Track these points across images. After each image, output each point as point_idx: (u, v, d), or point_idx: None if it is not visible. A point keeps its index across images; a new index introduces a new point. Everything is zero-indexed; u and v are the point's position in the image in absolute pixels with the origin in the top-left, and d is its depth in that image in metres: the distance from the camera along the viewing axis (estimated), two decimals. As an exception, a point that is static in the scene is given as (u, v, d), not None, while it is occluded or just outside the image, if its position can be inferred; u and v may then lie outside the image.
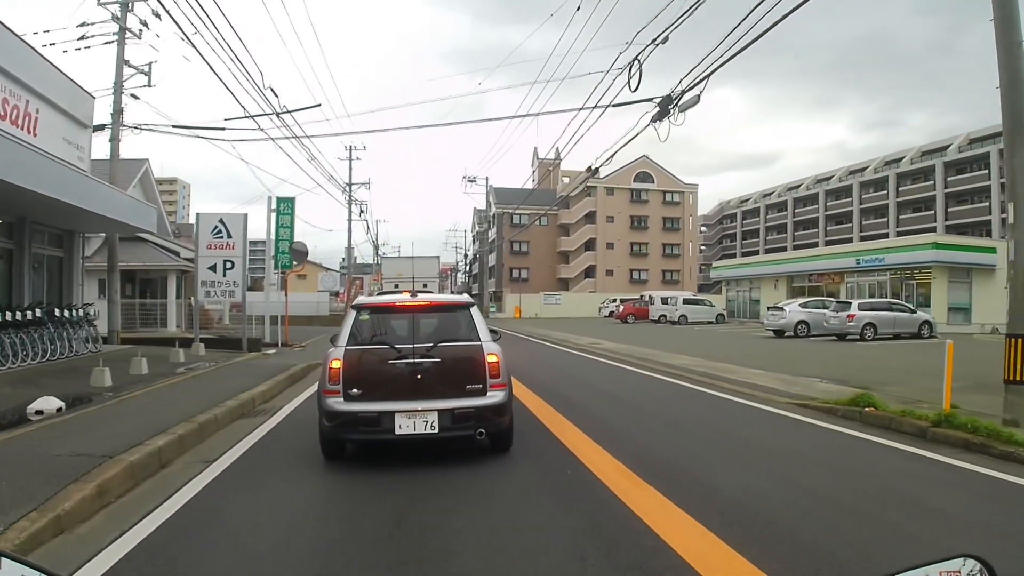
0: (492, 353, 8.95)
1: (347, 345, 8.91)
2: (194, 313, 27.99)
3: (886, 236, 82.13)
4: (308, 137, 33.03)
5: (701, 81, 17.12)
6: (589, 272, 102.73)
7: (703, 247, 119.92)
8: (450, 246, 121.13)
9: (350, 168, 65.44)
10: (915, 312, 38.45)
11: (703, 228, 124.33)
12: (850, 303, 37.90)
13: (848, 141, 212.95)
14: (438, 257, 62.67)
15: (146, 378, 16.16)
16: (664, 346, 30.18)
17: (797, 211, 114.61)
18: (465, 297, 10.14)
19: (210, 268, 25.68)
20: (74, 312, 22.12)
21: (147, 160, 40.58)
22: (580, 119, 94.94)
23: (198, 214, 27.41)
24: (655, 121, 19.96)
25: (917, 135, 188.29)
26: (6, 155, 15.32)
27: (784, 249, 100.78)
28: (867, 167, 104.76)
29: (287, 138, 27.49)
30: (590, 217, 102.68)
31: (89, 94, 24.67)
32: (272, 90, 24.03)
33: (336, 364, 8.68)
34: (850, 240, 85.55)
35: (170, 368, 18.75)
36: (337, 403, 8.57)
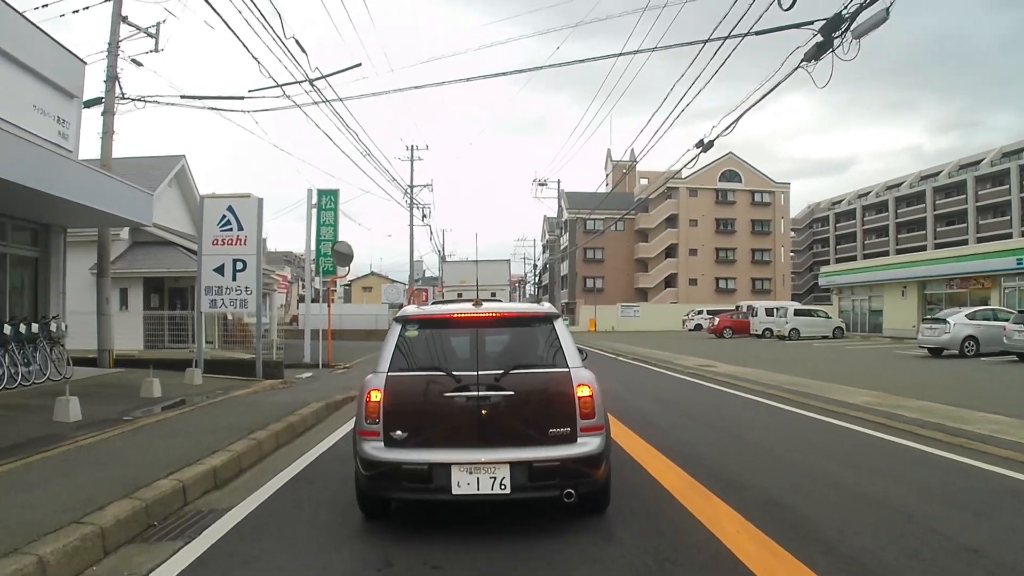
0: (584, 384, 7.20)
1: (390, 371, 7.31)
2: (196, 327, 22.89)
3: (1009, 236, 74.54)
4: (343, 100, 27.88)
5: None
6: (670, 281, 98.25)
7: (792, 253, 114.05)
8: (518, 257, 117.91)
9: (411, 168, 60.25)
10: None
11: (791, 233, 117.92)
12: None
13: (923, 144, 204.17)
14: (508, 260, 57.23)
15: (48, 436, 11.12)
16: (800, 371, 24.61)
17: (900, 211, 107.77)
18: (547, 306, 8.53)
19: (216, 270, 20.64)
20: (28, 327, 17.49)
21: (183, 157, 37.92)
22: (669, 106, 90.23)
23: (201, 199, 22.68)
24: (809, 60, 15.19)
25: (998, 135, 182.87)
26: None
27: (885, 254, 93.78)
28: (981, 159, 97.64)
29: (315, 103, 22.09)
30: (671, 221, 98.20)
31: (75, 56, 20.19)
32: (299, 43, 18.19)
33: (375, 396, 7.10)
34: (964, 242, 79.51)
35: (124, 409, 14.04)
36: (375, 448, 6.99)
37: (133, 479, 8.15)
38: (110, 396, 15.60)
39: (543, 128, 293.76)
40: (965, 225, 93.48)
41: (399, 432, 6.99)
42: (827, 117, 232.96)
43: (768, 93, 17.65)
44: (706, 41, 17.89)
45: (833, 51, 14.53)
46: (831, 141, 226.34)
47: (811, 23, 15.17)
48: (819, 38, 14.80)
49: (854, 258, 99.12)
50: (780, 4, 14.07)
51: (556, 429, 7.03)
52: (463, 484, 6.79)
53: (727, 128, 19.58)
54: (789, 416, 15.28)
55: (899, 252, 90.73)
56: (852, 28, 14.03)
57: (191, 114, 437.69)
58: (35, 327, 17.60)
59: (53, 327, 18.46)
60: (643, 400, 17.82)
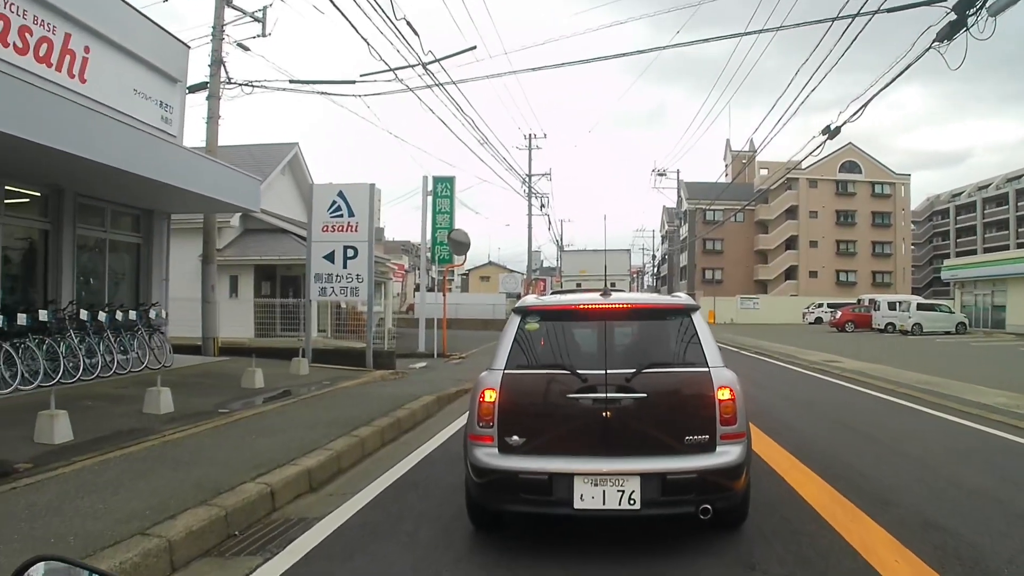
0: (725, 386, 6.25)
1: (507, 368, 6.48)
2: (305, 316, 22.06)
3: None
4: (456, 83, 27.32)
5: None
6: (790, 273, 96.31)
7: (912, 246, 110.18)
8: (637, 247, 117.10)
9: (529, 156, 59.42)
10: None
11: (911, 225, 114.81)
12: None
13: None
14: (629, 250, 56.05)
15: (134, 430, 10.42)
16: (928, 368, 23.22)
17: (1020, 204, 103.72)
18: (684, 298, 7.53)
19: (326, 257, 20.09)
20: (126, 314, 17.02)
21: (296, 144, 37.68)
22: (794, 88, 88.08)
23: (312, 186, 22.13)
24: (941, 40, 14.01)
25: None
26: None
27: (1006, 247, 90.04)
28: None
29: (428, 87, 21.31)
30: (791, 212, 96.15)
31: (178, 40, 19.90)
32: (410, 25, 17.62)
33: (490, 396, 6.29)
34: None
35: (221, 401, 13.44)
36: (489, 455, 6.20)
37: (216, 482, 7.43)
38: (208, 386, 15.09)
39: (660, 119, 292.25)
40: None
41: (516, 437, 6.26)
42: (942, 109, 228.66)
43: (898, 76, 16.46)
44: (834, 19, 16.84)
45: (967, 30, 13.45)
46: (945, 133, 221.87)
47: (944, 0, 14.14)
48: (952, 16, 13.78)
49: (974, 252, 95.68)
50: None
51: (693, 436, 6.20)
52: (587, 497, 6.00)
53: (855, 113, 18.49)
54: (926, 419, 14.21)
55: (1019, 246, 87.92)
56: (988, 5, 12.99)
57: (303, 100, 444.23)
58: (133, 314, 17.16)
59: (152, 314, 18.03)
60: (771, 396, 16.87)
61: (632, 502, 5.97)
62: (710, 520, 6.17)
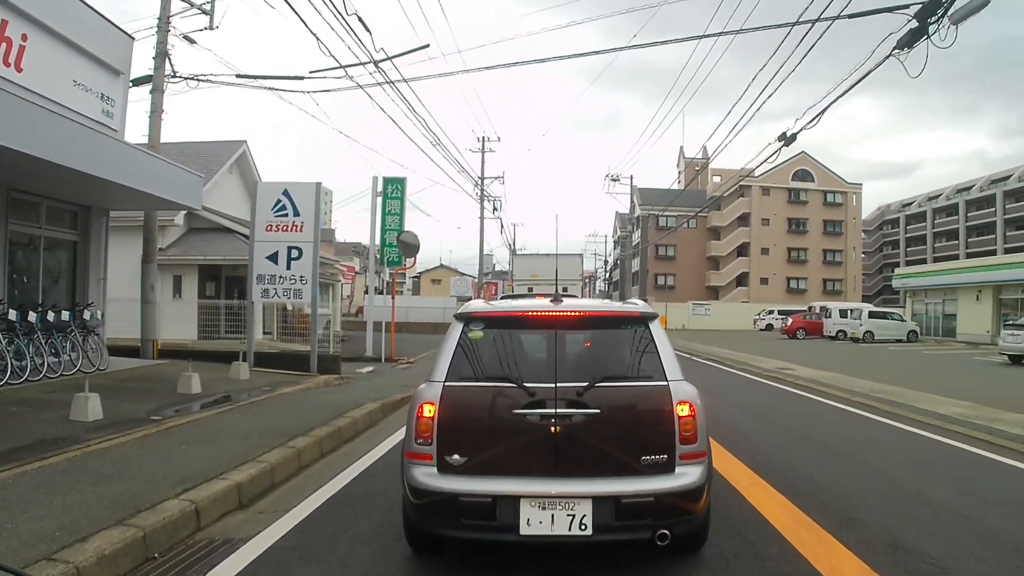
0: (685, 402, 5.83)
1: (447, 380, 5.97)
2: (247, 318, 21.56)
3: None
4: (407, 81, 26.76)
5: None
6: (741, 280, 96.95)
7: (862, 255, 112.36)
8: (589, 252, 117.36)
9: (482, 159, 58.69)
10: None
11: (862, 234, 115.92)
12: None
13: (988, 150, 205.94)
14: (581, 255, 55.82)
15: (57, 439, 9.80)
16: (882, 377, 23.23)
17: (969, 215, 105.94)
18: (641, 305, 6.98)
19: (269, 258, 19.46)
20: (58, 315, 16.35)
21: (244, 142, 37.10)
22: (747, 100, 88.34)
23: (257, 184, 21.58)
24: (902, 47, 14.15)
25: None
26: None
27: (955, 257, 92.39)
28: None
29: (379, 84, 20.84)
30: (743, 219, 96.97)
31: (123, 31, 19.24)
32: (362, 21, 16.97)
33: (429, 411, 5.80)
34: None
35: (155, 407, 12.82)
36: (427, 475, 5.72)
37: (137, 498, 6.85)
38: (143, 391, 14.44)
39: (615, 125, 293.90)
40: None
41: (457, 456, 5.77)
42: (894, 121, 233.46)
43: (857, 83, 16.63)
44: (794, 24, 16.85)
45: (928, 37, 13.57)
46: (896, 145, 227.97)
47: (906, 7, 14.32)
48: (914, 23, 13.88)
49: (924, 261, 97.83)
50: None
51: (650, 456, 5.77)
52: (534, 522, 5.55)
53: (812, 120, 18.28)
54: (883, 429, 14.03)
55: (969, 256, 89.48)
56: (949, 13, 13.09)
57: (252, 97, 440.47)
58: (66, 315, 16.49)
59: (87, 315, 17.30)
60: (725, 405, 16.59)
61: (584, 527, 5.54)
62: (667, 544, 5.74)
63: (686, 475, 5.76)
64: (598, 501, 5.57)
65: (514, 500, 5.58)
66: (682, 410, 5.85)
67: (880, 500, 8.23)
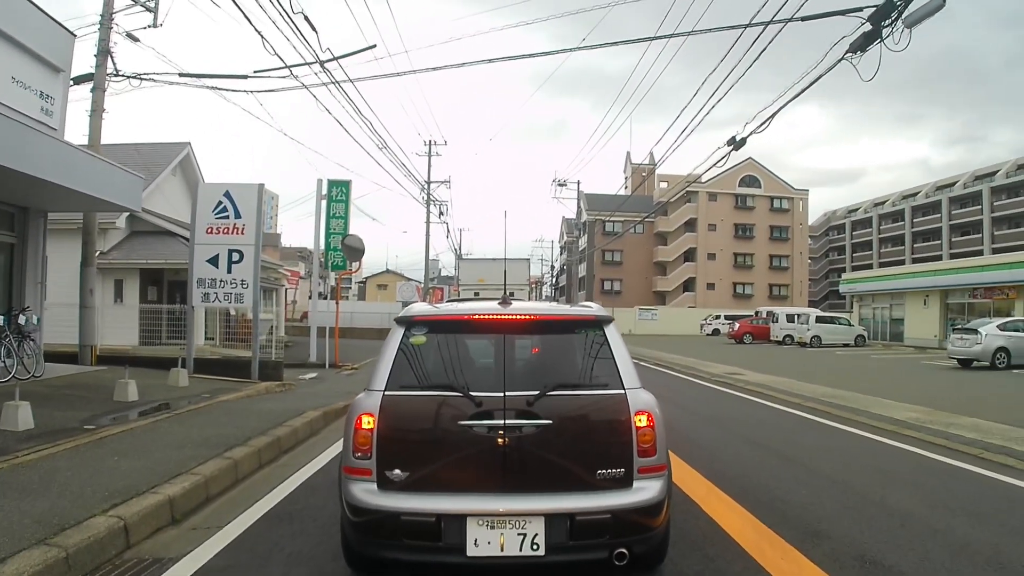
0: (643, 411, 5.48)
1: (387, 389, 5.54)
2: (187, 323, 20.97)
3: (1025, 248, 73.69)
4: (353, 81, 26.43)
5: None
6: (688, 285, 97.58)
7: (808, 260, 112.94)
8: (536, 258, 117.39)
9: (429, 163, 57.91)
10: None
11: (808, 240, 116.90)
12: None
13: (931, 157, 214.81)
14: (528, 260, 55.64)
15: None
16: (833, 381, 23.15)
17: (915, 220, 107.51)
18: (595, 308, 6.46)
19: (209, 261, 19.06)
20: None
21: (188, 144, 36.16)
22: (692, 108, 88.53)
23: (197, 185, 21.14)
24: (855, 51, 14.19)
25: (1001, 150, 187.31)
26: None
27: (901, 263, 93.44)
28: (997, 171, 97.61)
29: (324, 84, 20.45)
30: (690, 225, 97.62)
31: (64, 27, 18.61)
32: (308, 19, 16.62)
33: (367, 422, 5.38)
34: (979, 252, 79.34)
35: (89, 416, 12.28)
36: (366, 492, 5.30)
37: (63, 515, 6.44)
38: (78, 399, 13.93)
39: (562, 131, 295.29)
40: (980, 236, 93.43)
41: (398, 471, 5.37)
42: (838, 129, 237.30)
43: (809, 86, 16.56)
44: (746, 26, 16.75)
45: (882, 41, 13.49)
46: (841, 153, 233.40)
47: (859, 10, 14.20)
48: (867, 27, 13.81)
49: (870, 266, 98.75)
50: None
51: (606, 470, 5.41)
52: (482, 543, 5.20)
53: (763, 124, 18.22)
54: (840, 435, 13.82)
55: (915, 261, 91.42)
56: (903, 16, 13.03)
57: (197, 98, 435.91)
58: (0, 319, 15.99)
59: (22, 319, 16.70)
60: (676, 411, 16.25)
61: (536, 547, 5.21)
62: (625, 563, 5.40)
63: (645, 490, 5.44)
64: (551, 519, 5.25)
65: (460, 519, 5.23)
66: (640, 420, 5.52)
67: (843, 510, 7.99)
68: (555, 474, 5.40)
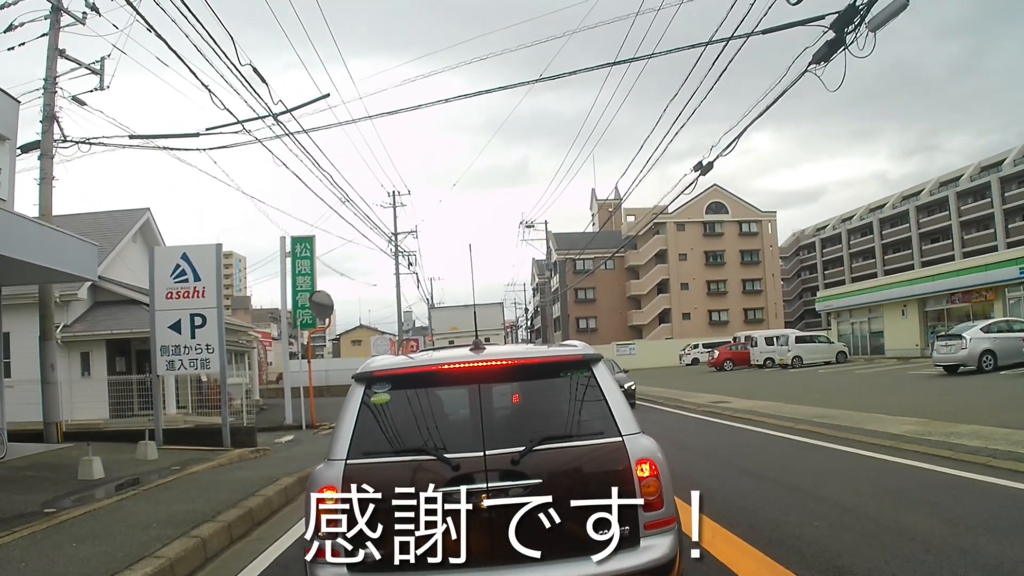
0: (645, 460, 4.90)
1: (349, 457, 4.94)
2: (153, 393, 20.42)
3: (995, 249, 74.02)
4: (308, 131, 25.98)
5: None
6: (663, 317, 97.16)
7: (781, 281, 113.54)
8: (509, 302, 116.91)
9: (394, 214, 57.77)
10: None
11: (779, 261, 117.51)
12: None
13: (888, 171, 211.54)
14: (502, 303, 54.97)
15: None
16: (821, 401, 22.91)
17: (884, 232, 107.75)
18: (581, 347, 5.72)
19: (172, 327, 18.36)
20: None
21: (147, 210, 35.37)
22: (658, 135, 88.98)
23: (153, 250, 20.58)
24: (819, 61, 13.84)
25: (956, 157, 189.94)
26: None
27: (873, 275, 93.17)
28: (961, 175, 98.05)
29: (277, 136, 19.94)
30: (661, 256, 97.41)
31: (8, 94, 18.45)
32: (256, 71, 16.08)
33: (329, 498, 4.70)
34: (951, 258, 79.55)
35: (51, 498, 11.63)
36: None
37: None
38: (39, 480, 13.39)
39: (524, 175, 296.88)
40: (950, 241, 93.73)
41: (369, 551, 4.68)
42: (793, 152, 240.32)
43: (773, 103, 16.27)
44: (707, 44, 16.32)
45: (846, 48, 13.20)
46: (800, 174, 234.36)
47: (821, 18, 13.87)
48: (831, 35, 13.50)
49: (842, 282, 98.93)
50: (788, -1, 12.80)
51: (609, 530, 4.69)
52: None
53: (728, 146, 18.02)
54: (839, 456, 13.44)
55: (887, 273, 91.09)
56: (867, 20, 12.72)
57: (153, 161, 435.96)
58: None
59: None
60: (666, 447, 15.28)
61: None
62: None
63: (654, 547, 4.83)
64: None
65: None
66: (642, 470, 4.95)
67: (861, 540, 7.48)
68: (550, 540, 4.72)
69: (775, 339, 55.18)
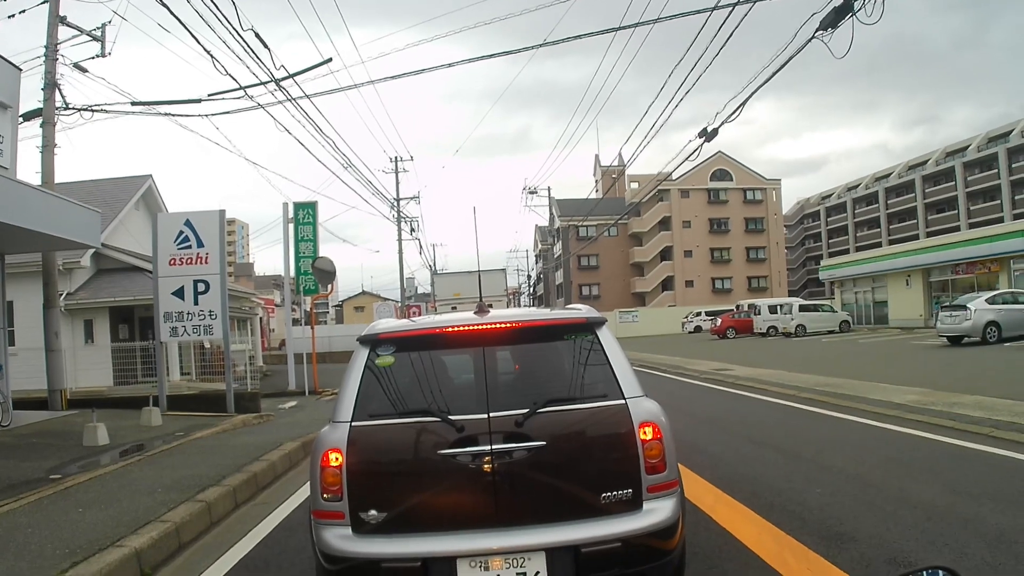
0: (649, 423, 4.82)
1: (354, 420, 4.84)
2: (157, 359, 20.61)
3: (1001, 220, 73.76)
4: (310, 96, 25.85)
5: None
6: (667, 284, 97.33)
7: (785, 249, 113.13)
8: (512, 269, 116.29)
9: (396, 179, 57.46)
10: None
11: (784, 229, 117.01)
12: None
13: (890, 141, 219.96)
14: (504, 270, 54.81)
15: None
16: (825, 370, 22.67)
17: (889, 202, 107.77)
18: (585, 310, 5.64)
19: (175, 293, 18.35)
20: None
21: (149, 176, 35.25)
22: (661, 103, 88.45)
23: (157, 216, 20.52)
24: (826, 27, 13.50)
25: (958, 128, 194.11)
26: None
27: (878, 245, 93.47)
28: (968, 146, 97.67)
29: (280, 102, 19.91)
30: (664, 223, 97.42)
31: (9, 62, 18.01)
32: (259, 36, 16.00)
33: (335, 459, 4.68)
34: (956, 229, 78.68)
35: (57, 464, 11.67)
36: (341, 538, 4.62)
37: (13, 580, 5.81)
38: (45, 447, 13.39)
39: (526, 143, 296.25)
40: (956, 212, 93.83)
41: (374, 512, 4.69)
42: (796, 121, 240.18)
43: (779, 70, 16.15)
44: (713, 9, 16.17)
45: (854, 14, 12.83)
46: (803, 144, 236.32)
47: None
48: (838, 0, 13.17)
49: (847, 251, 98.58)
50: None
51: (612, 492, 4.74)
52: None
53: (734, 112, 17.77)
54: (843, 425, 13.32)
55: (891, 243, 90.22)
56: None
57: (155, 128, 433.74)
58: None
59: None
60: (671, 414, 15.52)
61: None
62: None
63: (656, 511, 4.79)
64: (553, 553, 4.63)
65: (449, 561, 4.61)
66: (645, 433, 4.88)
67: (863, 507, 7.46)
68: (554, 502, 4.79)
69: (779, 307, 54.92)
